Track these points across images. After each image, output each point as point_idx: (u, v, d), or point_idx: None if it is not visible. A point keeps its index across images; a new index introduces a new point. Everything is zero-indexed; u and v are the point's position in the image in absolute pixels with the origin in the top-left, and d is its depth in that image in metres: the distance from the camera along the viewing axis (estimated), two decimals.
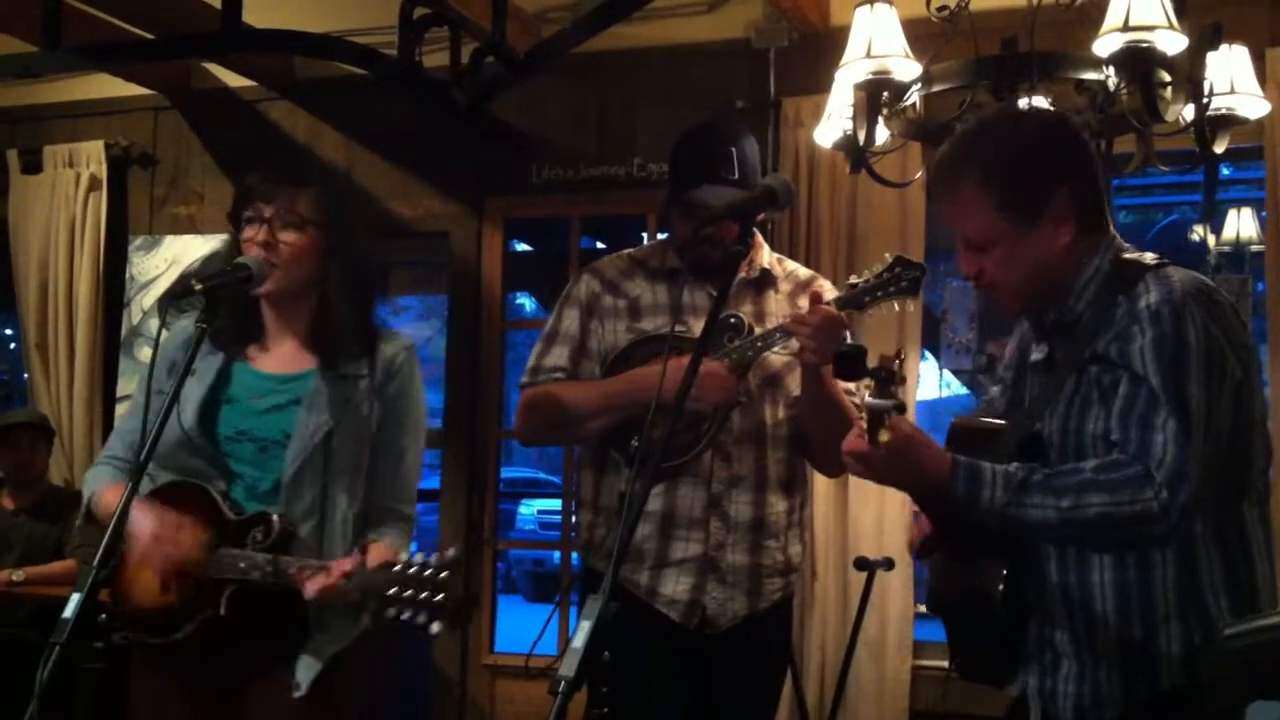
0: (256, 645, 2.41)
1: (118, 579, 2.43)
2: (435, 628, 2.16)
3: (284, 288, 2.48)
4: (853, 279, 2.68)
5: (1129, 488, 1.88)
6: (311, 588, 2.28)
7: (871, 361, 1.94)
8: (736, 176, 2.73)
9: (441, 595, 2.14)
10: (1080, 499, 1.90)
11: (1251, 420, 1.99)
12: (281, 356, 2.54)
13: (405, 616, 2.16)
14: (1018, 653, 2.10)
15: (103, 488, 2.53)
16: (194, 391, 2.47)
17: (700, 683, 2.75)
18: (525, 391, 2.89)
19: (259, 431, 2.46)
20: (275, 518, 2.37)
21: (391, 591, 2.17)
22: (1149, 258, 2.05)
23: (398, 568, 2.19)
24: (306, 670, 2.40)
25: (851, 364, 2.01)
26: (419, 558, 2.19)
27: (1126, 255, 2.06)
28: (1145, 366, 1.92)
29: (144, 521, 2.36)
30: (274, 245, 2.45)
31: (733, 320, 2.73)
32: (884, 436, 1.89)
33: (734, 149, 2.76)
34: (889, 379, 1.88)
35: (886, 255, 2.67)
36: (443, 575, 2.15)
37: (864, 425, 1.92)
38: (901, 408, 1.91)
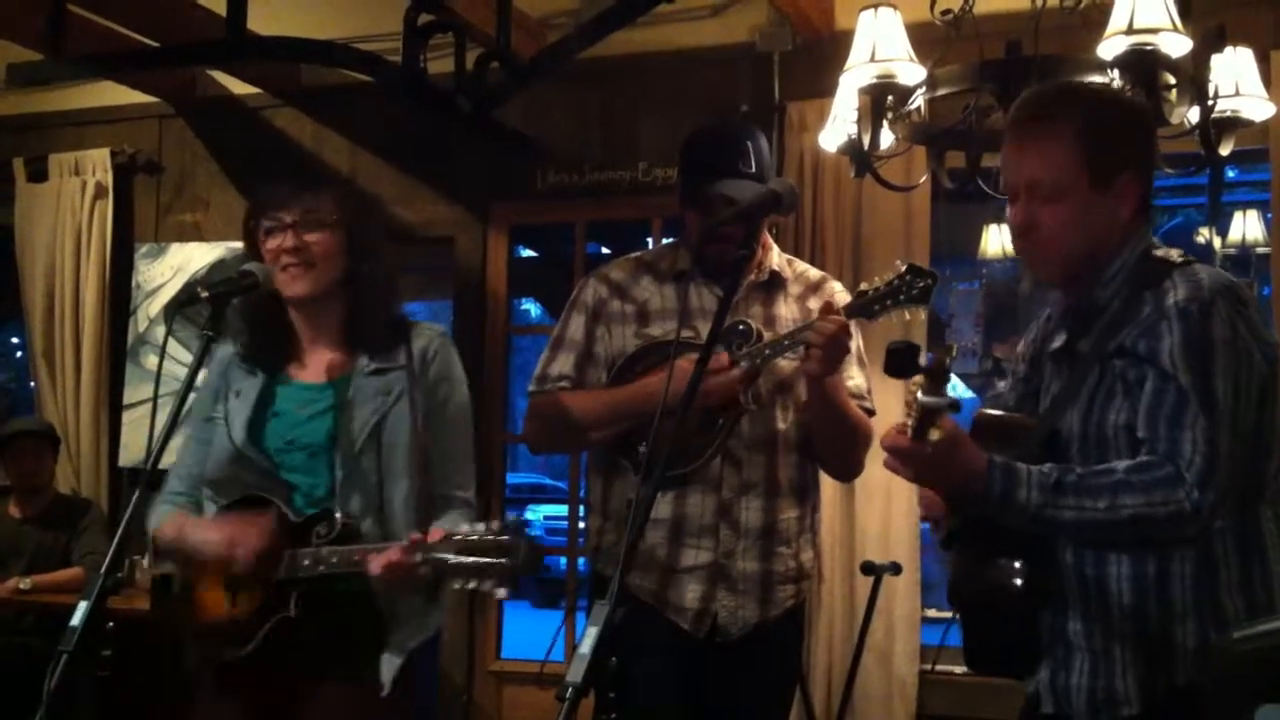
0: (332, 647, 2.42)
1: (188, 599, 2.48)
2: (501, 591, 2.19)
3: (317, 290, 2.51)
4: (863, 286, 2.67)
5: (1162, 489, 1.90)
6: (376, 564, 2.30)
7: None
8: (753, 169, 2.74)
9: (505, 560, 2.16)
10: (1115, 500, 1.91)
11: (1274, 420, 2.00)
12: (319, 365, 2.57)
13: (472, 585, 2.18)
14: (1032, 645, 2.09)
15: (162, 520, 2.57)
16: (239, 410, 2.53)
17: (710, 692, 2.75)
18: (532, 399, 2.89)
19: (306, 438, 2.49)
20: (336, 513, 2.40)
21: (454, 561, 2.19)
22: (1176, 255, 2.07)
23: (459, 537, 2.21)
24: (389, 667, 2.43)
25: (903, 361, 2.00)
26: (480, 526, 2.22)
27: (1156, 252, 2.08)
28: (1174, 364, 1.93)
29: (214, 532, 2.42)
30: (303, 248, 2.48)
31: (741, 327, 2.72)
32: (935, 435, 1.89)
33: (749, 142, 2.77)
34: (941, 376, 1.87)
35: (898, 262, 2.65)
36: (504, 539, 2.17)
37: (910, 422, 1.91)
38: (956, 406, 1.90)
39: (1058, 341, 2.16)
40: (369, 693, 2.41)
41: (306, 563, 2.36)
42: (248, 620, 2.40)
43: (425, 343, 2.56)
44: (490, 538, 2.19)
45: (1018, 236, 2.13)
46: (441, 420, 2.55)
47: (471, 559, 2.18)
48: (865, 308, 2.62)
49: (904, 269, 2.62)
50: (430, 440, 2.52)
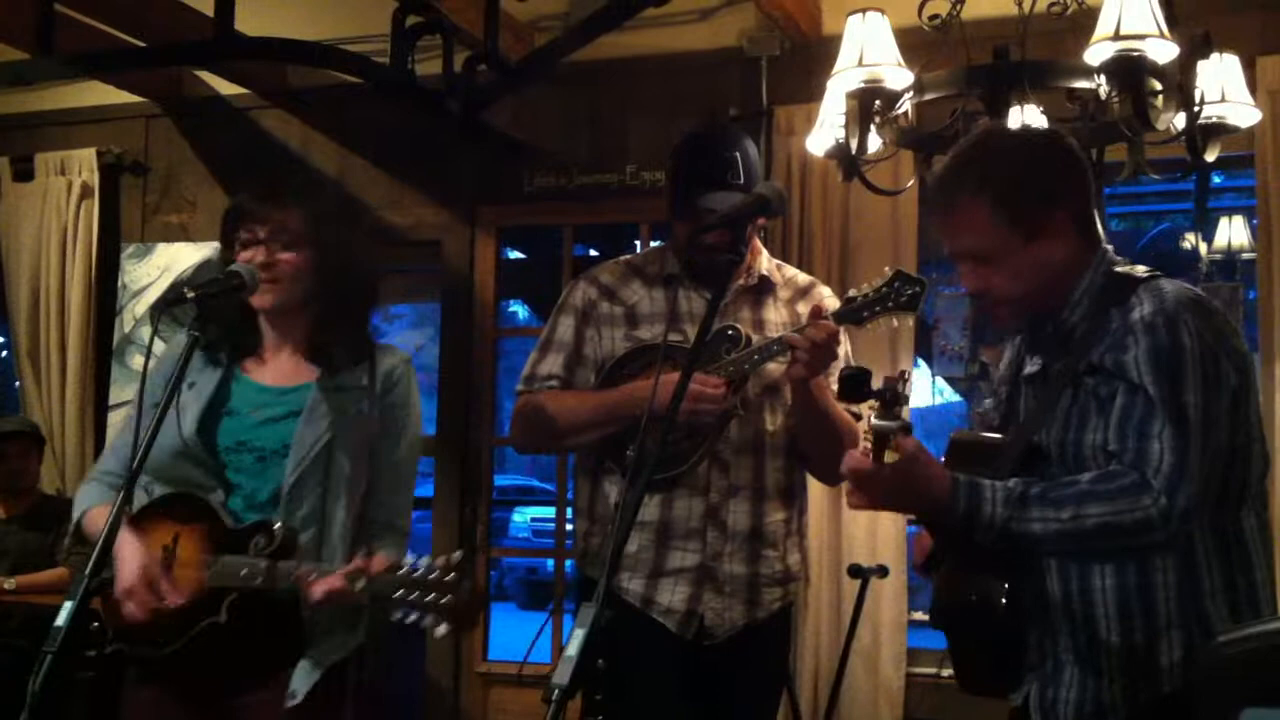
0: (255, 654, 2.41)
1: (111, 593, 2.43)
2: (441, 629, 2.19)
3: (282, 304, 2.50)
4: (851, 292, 2.66)
5: (1127, 496, 1.90)
6: (319, 590, 2.29)
7: (874, 382, 1.96)
8: (742, 181, 2.74)
9: (447, 597, 2.17)
10: (1080, 510, 1.92)
11: (1249, 426, 2.00)
12: (280, 369, 2.56)
13: (411, 619, 2.19)
14: (1020, 663, 2.10)
15: (91, 505, 2.53)
16: (192, 402, 2.49)
17: (699, 694, 2.75)
18: (520, 399, 2.88)
19: (258, 442, 2.47)
20: (277, 525, 2.37)
21: (397, 594, 2.20)
22: (1141, 270, 2.08)
23: (403, 570, 2.22)
24: (303, 678, 2.40)
25: (855, 386, 2.02)
26: (424, 561, 2.23)
27: (1118, 269, 2.09)
28: (1141, 376, 1.94)
29: (127, 563, 2.37)
30: (273, 265, 2.47)
31: (730, 332, 2.72)
32: (890, 457, 1.91)
33: (738, 154, 2.77)
34: (894, 400, 1.90)
35: (886, 269, 2.65)
36: (448, 577, 2.18)
37: (868, 446, 1.93)
38: (908, 429, 1.93)
39: (1032, 366, 2.17)
40: (282, 701, 2.39)
41: (244, 572, 2.34)
42: (174, 621, 2.37)
43: (390, 367, 2.54)
44: (435, 575, 2.20)
45: (974, 299, 2.16)
46: (393, 446, 2.53)
47: (415, 594, 2.19)
48: (854, 314, 2.62)
49: (893, 275, 2.62)
50: (378, 465, 2.51)
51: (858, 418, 2.82)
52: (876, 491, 2.01)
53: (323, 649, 2.43)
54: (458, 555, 2.24)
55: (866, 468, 1.96)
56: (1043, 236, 2.06)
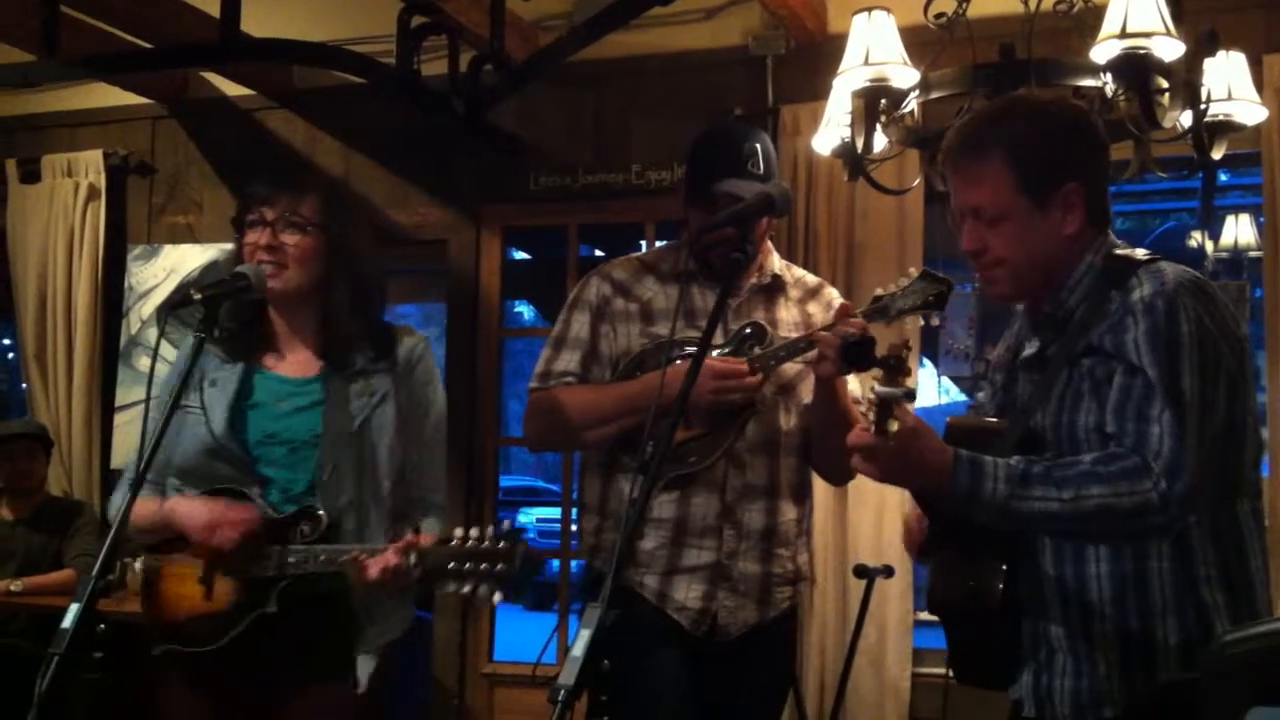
0: (308, 644, 2.42)
1: (156, 593, 2.45)
2: (497, 597, 2.25)
3: (289, 289, 2.51)
4: (878, 291, 2.68)
5: (1128, 479, 1.89)
6: (374, 568, 2.31)
7: (878, 351, 1.95)
8: (761, 171, 2.74)
9: (503, 566, 2.23)
10: (1081, 490, 1.90)
11: (1245, 412, 2.00)
12: (297, 360, 2.57)
13: (466, 590, 2.24)
14: (1017, 653, 2.10)
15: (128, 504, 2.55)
16: (219, 400, 2.51)
17: (705, 692, 2.74)
18: (533, 396, 2.85)
19: (288, 434, 2.49)
20: (320, 511, 2.40)
21: (452, 566, 2.24)
22: (1140, 253, 2.08)
23: (455, 542, 2.27)
24: (365, 666, 2.45)
25: (860, 353, 2.01)
26: (475, 532, 2.28)
27: (1119, 251, 2.08)
28: (1140, 358, 1.94)
29: (200, 510, 2.40)
30: (277, 247, 2.49)
31: (749, 329, 2.73)
32: (893, 425, 1.89)
33: (758, 145, 2.78)
34: (898, 368, 1.89)
35: (912, 270, 2.67)
36: (500, 545, 2.24)
37: (872, 417, 1.92)
38: (912, 395, 1.91)
39: (1030, 350, 2.16)
40: (345, 691, 2.43)
41: (293, 559, 2.36)
42: (225, 614, 2.39)
43: (410, 347, 2.58)
44: (487, 544, 2.24)
45: (971, 260, 2.13)
46: (423, 424, 2.57)
47: (468, 564, 2.24)
48: (882, 311, 2.64)
49: (919, 275, 2.64)
50: (410, 444, 2.54)
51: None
52: (879, 464, 1.97)
53: (374, 634, 2.47)
54: (507, 525, 2.30)
55: (869, 441, 1.94)
56: (1052, 205, 2.05)
